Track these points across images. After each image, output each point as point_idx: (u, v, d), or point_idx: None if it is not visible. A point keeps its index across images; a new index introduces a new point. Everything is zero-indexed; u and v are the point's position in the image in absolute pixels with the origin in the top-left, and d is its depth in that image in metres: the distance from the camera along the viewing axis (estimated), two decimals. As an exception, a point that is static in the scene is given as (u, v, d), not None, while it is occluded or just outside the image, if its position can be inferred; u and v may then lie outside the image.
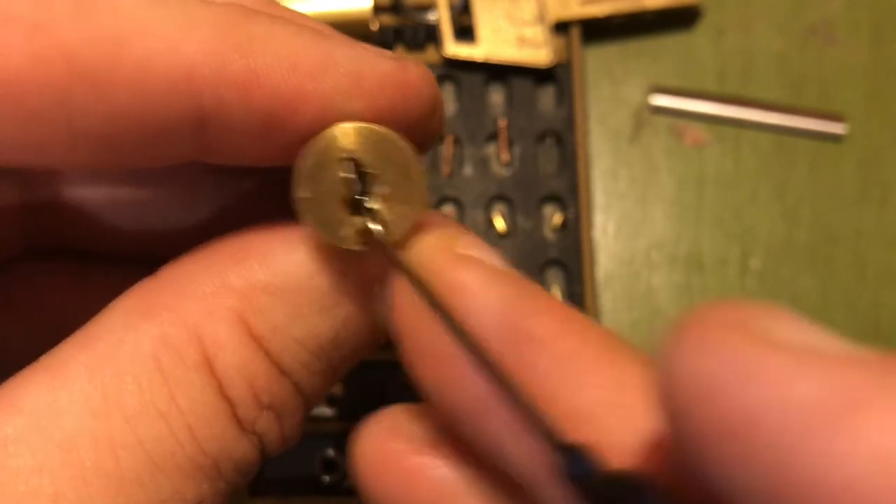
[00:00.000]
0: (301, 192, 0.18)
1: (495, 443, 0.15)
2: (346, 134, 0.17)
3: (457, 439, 0.17)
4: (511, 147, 0.38)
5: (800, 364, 0.11)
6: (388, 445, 0.18)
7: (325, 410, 0.35)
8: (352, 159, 0.18)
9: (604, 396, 0.14)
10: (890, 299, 0.38)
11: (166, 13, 0.16)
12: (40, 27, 0.15)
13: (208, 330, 0.17)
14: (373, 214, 0.18)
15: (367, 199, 0.18)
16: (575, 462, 0.13)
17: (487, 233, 0.38)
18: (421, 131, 0.19)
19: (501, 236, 0.37)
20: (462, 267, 0.16)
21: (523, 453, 0.15)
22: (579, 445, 0.13)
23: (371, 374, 0.35)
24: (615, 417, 0.14)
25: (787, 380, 0.10)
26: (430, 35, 0.39)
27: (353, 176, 0.18)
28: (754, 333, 0.11)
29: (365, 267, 0.19)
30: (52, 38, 0.15)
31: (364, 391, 0.35)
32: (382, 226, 0.18)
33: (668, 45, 0.41)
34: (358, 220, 0.18)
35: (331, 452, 0.33)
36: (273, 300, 0.18)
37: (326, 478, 0.32)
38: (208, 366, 0.17)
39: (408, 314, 0.16)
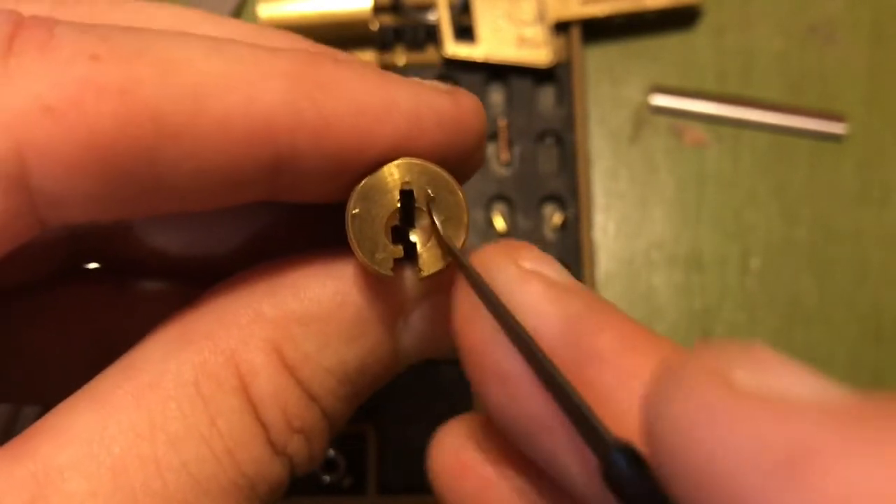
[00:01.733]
0: (352, 208, 0.18)
1: (555, 460, 0.16)
2: (403, 167, 0.19)
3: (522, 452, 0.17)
4: (511, 147, 0.38)
5: (761, 413, 0.11)
6: (464, 454, 0.19)
7: (325, 410, 0.35)
8: (408, 191, 0.19)
9: None
10: (890, 299, 0.38)
11: (241, 67, 0.17)
12: (127, 91, 0.16)
13: (244, 358, 0.18)
14: (412, 246, 0.19)
15: (410, 230, 0.19)
16: (621, 462, 0.13)
17: (487, 233, 0.38)
18: (468, 161, 0.20)
19: (501, 236, 0.37)
20: (525, 282, 0.16)
21: (583, 470, 0.15)
22: (627, 445, 0.13)
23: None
24: None
25: (747, 429, 0.11)
26: (430, 35, 0.39)
27: (400, 206, 0.19)
28: (726, 381, 0.11)
29: (389, 299, 0.20)
30: (139, 100, 0.16)
31: (364, 391, 0.35)
32: (418, 260, 0.19)
33: (668, 45, 0.41)
34: (395, 249, 0.19)
35: (331, 452, 0.33)
36: (304, 330, 0.19)
37: (326, 477, 0.32)
38: (245, 392, 0.18)
39: (472, 330, 0.17)
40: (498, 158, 0.38)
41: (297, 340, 0.19)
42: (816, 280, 0.38)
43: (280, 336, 0.18)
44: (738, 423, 0.11)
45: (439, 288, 0.20)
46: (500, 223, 0.37)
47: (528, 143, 0.38)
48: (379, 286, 0.19)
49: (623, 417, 0.14)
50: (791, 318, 0.38)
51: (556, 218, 0.38)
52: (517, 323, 0.16)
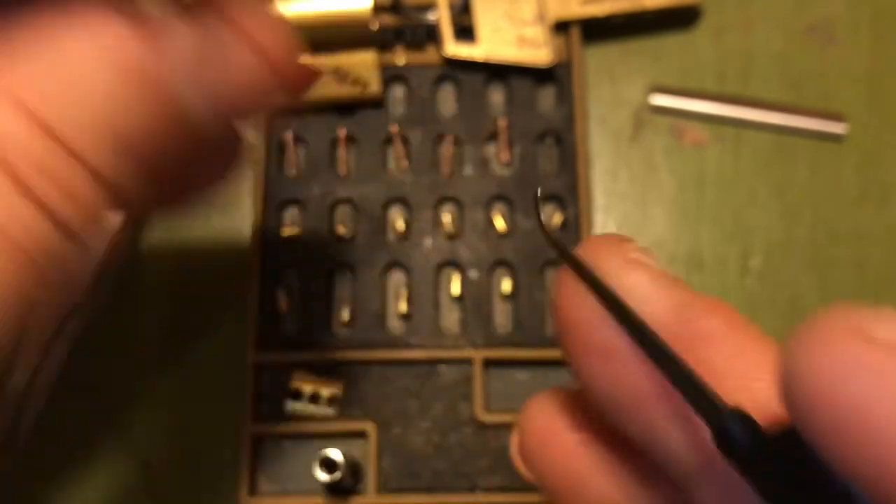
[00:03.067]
0: None
1: (654, 433, 0.16)
2: None
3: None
4: (511, 147, 0.38)
5: None
6: (555, 421, 0.19)
7: (325, 410, 0.35)
8: None
9: (769, 391, 0.15)
10: (890, 299, 0.38)
11: None
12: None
13: None
14: None
15: None
16: (736, 424, 0.14)
17: (487, 233, 0.38)
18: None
19: (501, 236, 0.37)
20: (633, 270, 0.17)
21: (686, 442, 0.16)
22: (740, 410, 0.14)
23: (371, 375, 0.35)
24: (780, 409, 0.15)
25: (892, 374, 0.11)
26: (430, 35, 0.39)
27: None
28: (866, 336, 0.12)
29: (158, 46, 0.18)
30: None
31: (363, 391, 0.35)
32: None
33: (668, 45, 0.41)
34: None
35: (331, 452, 0.33)
36: (59, 86, 0.18)
37: (326, 477, 0.32)
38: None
39: (576, 309, 0.17)
40: (498, 158, 0.38)
41: (50, 97, 0.17)
42: (817, 280, 0.38)
43: (31, 94, 0.17)
44: (881, 369, 0.11)
45: (207, 28, 0.19)
46: (500, 223, 0.37)
47: (528, 143, 0.38)
48: (144, 30, 0.18)
49: (732, 395, 0.15)
50: (791, 318, 0.38)
51: (556, 218, 0.38)
52: (624, 302, 0.16)
